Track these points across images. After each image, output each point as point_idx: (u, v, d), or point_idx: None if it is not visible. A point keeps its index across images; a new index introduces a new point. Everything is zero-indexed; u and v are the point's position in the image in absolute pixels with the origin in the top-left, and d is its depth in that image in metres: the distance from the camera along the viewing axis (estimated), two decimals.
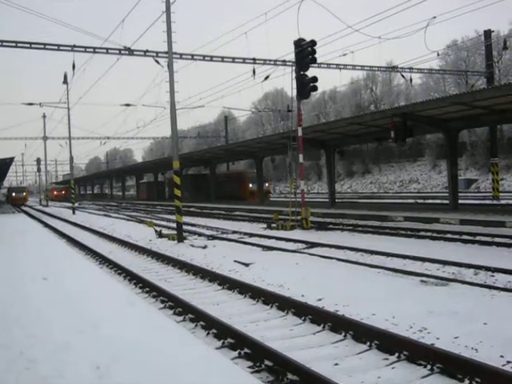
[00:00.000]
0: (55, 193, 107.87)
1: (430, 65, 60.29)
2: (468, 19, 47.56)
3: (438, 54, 34.56)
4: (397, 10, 23.52)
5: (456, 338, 6.49)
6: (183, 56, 26.33)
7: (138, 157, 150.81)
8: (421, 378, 5.47)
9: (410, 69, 33.51)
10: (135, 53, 25.54)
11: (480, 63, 50.26)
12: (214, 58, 27.48)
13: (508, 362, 5.58)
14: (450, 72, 49.49)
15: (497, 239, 15.80)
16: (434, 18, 26.43)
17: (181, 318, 8.35)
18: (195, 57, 26.97)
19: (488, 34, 37.02)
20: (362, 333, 6.85)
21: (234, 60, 27.69)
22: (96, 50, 25.22)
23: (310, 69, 22.00)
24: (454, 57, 58.72)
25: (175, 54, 22.26)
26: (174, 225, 20.63)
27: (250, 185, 51.05)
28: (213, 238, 20.24)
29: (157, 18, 20.13)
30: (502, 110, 23.48)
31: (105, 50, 25.25)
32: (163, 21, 19.32)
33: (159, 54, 25.06)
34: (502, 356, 5.76)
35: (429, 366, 5.66)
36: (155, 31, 20.46)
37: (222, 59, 27.53)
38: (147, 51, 25.56)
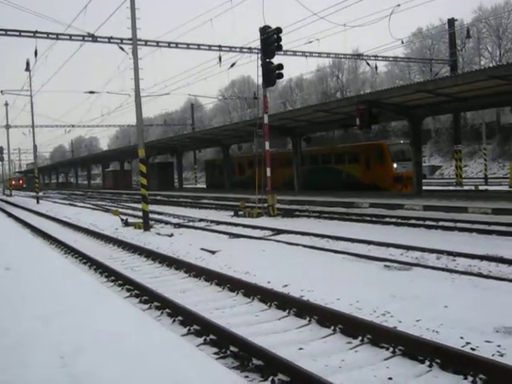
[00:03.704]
0: (13, 182, 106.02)
1: (395, 52, 61.10)
2: (433, 7, 47.99)
3: (403, 42, 34.87)
4: None
5: (418, 320, 6.62)
6: (148, 43, 26.08)
7: (104, 145, 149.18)
8: (383, 360, 5.58)
9: (376, 56, 33.79)
10: (99, 39, 25.21)
11: (444, 51, 50.93)
12: (180, 45, 27.28)
13: (467, 343, 5.72)
14: (414, 60, 50.04)
15: (459, 224, 16.11)
16: (399, 5, 26.63)
17: (146, 306, 8.33)
18: (160, 44, 26.73)
19: (452, 22, 37.52)
20: (326, 317, 6.92)
21: (199, 47, 27.53)
22: (59, 37, 24.80)
23: (276, 56, 22.05)
24: (419, 45, 59.41)
25: (140, 40, 21.99)
26: (141, 213, 20.49)
27: (395, 165, 31.75)
28: (179, 226, 20.18)
29: (120, 3, 19.87)
30: (465, 98, 23.91)
31: (68, 37, 24.85)
32: (127, 7, 19.06)
33: (124, 41, 24.77)
34: (461, 337, 5.90)
35: (391, 349, 5.77)
36: (119, 17, 20.16)
37: (188, 46, 27.35)
38: (111, 38, 25.23)
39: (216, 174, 50.37)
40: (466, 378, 4.98)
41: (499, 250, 11.29)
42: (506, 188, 32.11)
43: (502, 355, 5.37)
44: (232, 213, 24.01)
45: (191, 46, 27.36)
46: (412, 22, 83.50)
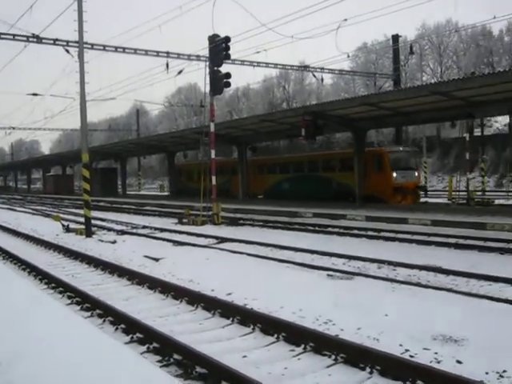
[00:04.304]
0: None
1: (341, 66, 62.10)
2: (378, 23, 49.22)
3: (349, 56, 35.55)
4: (310, 10, 24.06)
5: (359, 329, 6.75)
6: (95, 46, 25.69)
7: (46, 149, 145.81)
8: (325, 368, 5.66)
9: (322, 69, 34.29)
10: (44, 41, 24.67)
11: (388, 66, 52.17)
12: (127, 50, 27.00)
13: (406, 351, 5.88)
14: (359, 73, 51.02)
15: (400, 235, 16.54)
16: (346, 20, 27.15)
17: (88, 313, 8.19)
18: (107, 48, 26.39)
19: (396, 38, 38.53)
20: (269, 325, 6.98)
21: (147, 53, 27.30)
22: (1, 36, 24.13)
23: (224, 65, 22.13)
24: (364, 59, 60.70)
25: (86, 43, 21.70)
26: (83, 219, 20.11)
27: (395, 174, 28.38)
28: (122, 232, 19.93)
29: (68, 6, 19.56)
30: (407, 112, 24.51)
31: (11, 37, 24.21)
32: (74, 9, 18.79)
33: (70, 43, 24.32)
34: (401, 345, 6.06)
35: (333, 356, 5.86)
36: (66, 19, 19.88)
37: (135, 51, 27.09)
38: (57, 40, 24.75)
39: (183, 179, 45.49)
40: None
41: (437, 260, 11.63)
42: (444, 200, 33.04)
43: (439, 362, 5.55)
44: (176, 220, 23.88)
45: (139, 52, 27.11)
46: (358, 37, 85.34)
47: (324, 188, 31.20)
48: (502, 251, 13.07)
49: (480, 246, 13.95)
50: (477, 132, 55.04)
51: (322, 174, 31.86)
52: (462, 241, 14.97)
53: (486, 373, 5.16)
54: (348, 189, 29.12)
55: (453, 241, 15.00)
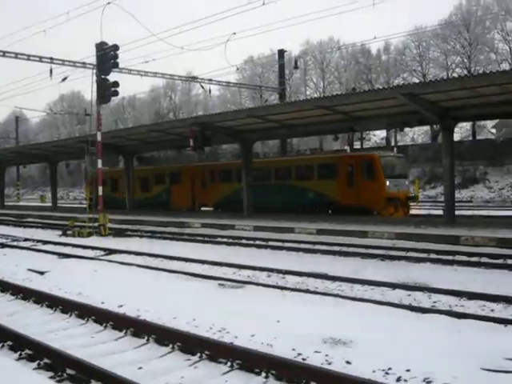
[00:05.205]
0: None
1: (229, 78, 62.59)
2: (265, 38, 50.46)
3: (238, 69, 36.14)
4: (201, 22, 24.30)
5: (253, 335, 6.90)
6: None
7: None
8: (222, 375, 5.74)
9: (210, 80, 34.58)
10: None
11: (274, 79, 53.53)
12: (7, 54, 25.80)
13: (299, 354, 6.09)
14: (246, 86, 51.94)
15: (287, 244, 16.99)
16: (235, 33, 27.66)
17: None
18: None
19: (281, 53, 39.72)
20: (164, 336, 6.95)
21: (29, 58, 26.23)
22: None
23: (112, 73, 21.76)
24: (251, 72, 61.90)
25: None
26: None
27: (388, 182, 25.41)
28: (2, 245, 19.00)
29: None
30: (293, 125, 25.29)
31: None
32: None
33: None
34: (293, 349, 6.27)
35: (229, 363, 5.96)
36: None
37: (16, 56, 25.94)
38: None
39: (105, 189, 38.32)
40: None
41: (323, 267, 12.13)
42: None
43: (330, 363, 5.80)
44: (60, 232, 23.09)
45: (20, 56, 26.00)
46: (246, 50, 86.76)
47: (297, 198, 28.10)
48: (382, 258, 13.82)
49: (362, 253, 14.67)
50: (357, 145, 57.75)
51: (294, 183, 28.60)
52: (345, 248, 15.67)
53: (373, 371, 5.47)
54: (328, 200, 27.02)
55: (337, 248, 15.69)
